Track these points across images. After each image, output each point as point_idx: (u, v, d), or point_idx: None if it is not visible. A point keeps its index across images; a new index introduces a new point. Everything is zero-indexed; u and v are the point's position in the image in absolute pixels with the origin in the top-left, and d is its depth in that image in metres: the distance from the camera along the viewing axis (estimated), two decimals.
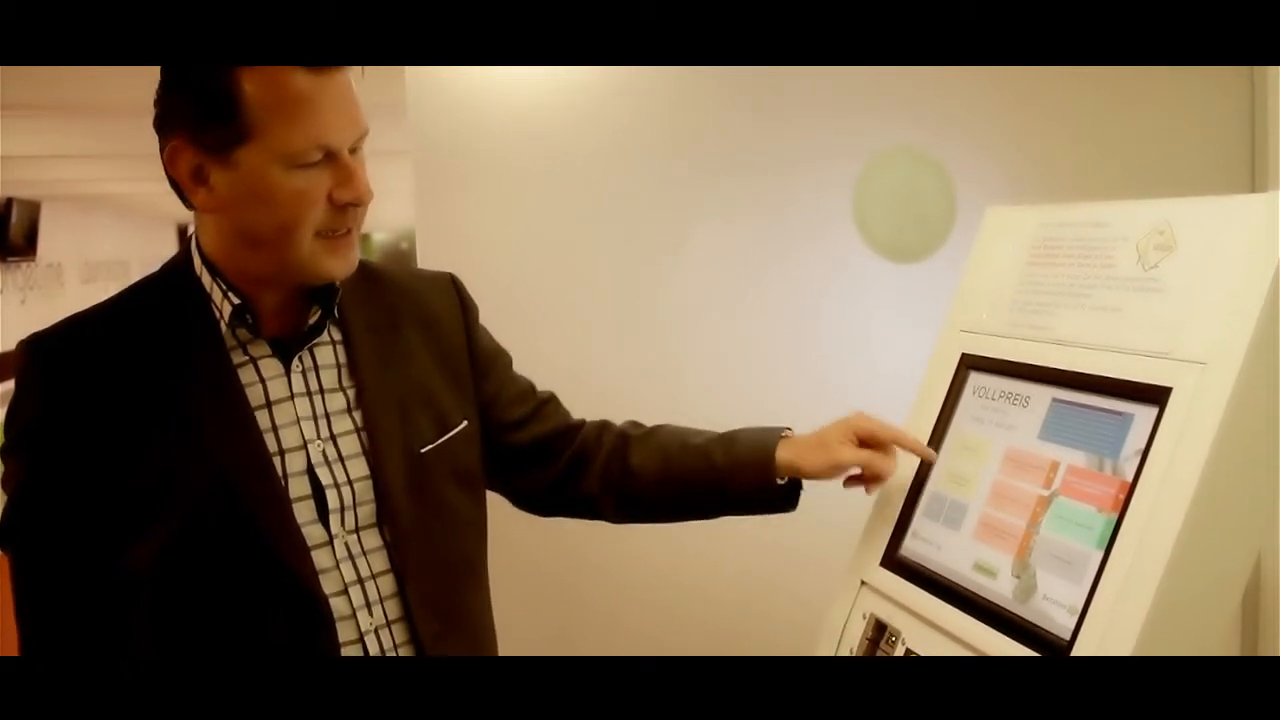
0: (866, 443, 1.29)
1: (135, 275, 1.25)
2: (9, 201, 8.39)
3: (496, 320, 1.38)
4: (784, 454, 1.30)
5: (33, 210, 8.98)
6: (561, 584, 1.99)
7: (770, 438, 1.32)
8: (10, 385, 1.11)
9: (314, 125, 1.04)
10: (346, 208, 1.08)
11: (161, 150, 1.07)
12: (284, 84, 1.02)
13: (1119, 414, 1.08)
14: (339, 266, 1.12)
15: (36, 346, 1.10)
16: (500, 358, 1.36)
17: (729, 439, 1.34)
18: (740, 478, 1.31)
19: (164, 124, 1.07)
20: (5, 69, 3.53)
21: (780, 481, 1.30)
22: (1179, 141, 1.91)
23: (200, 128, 1.04)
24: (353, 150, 1.09)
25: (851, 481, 1.32)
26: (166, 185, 1.09)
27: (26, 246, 9.02)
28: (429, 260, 1.87)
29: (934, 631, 1.18)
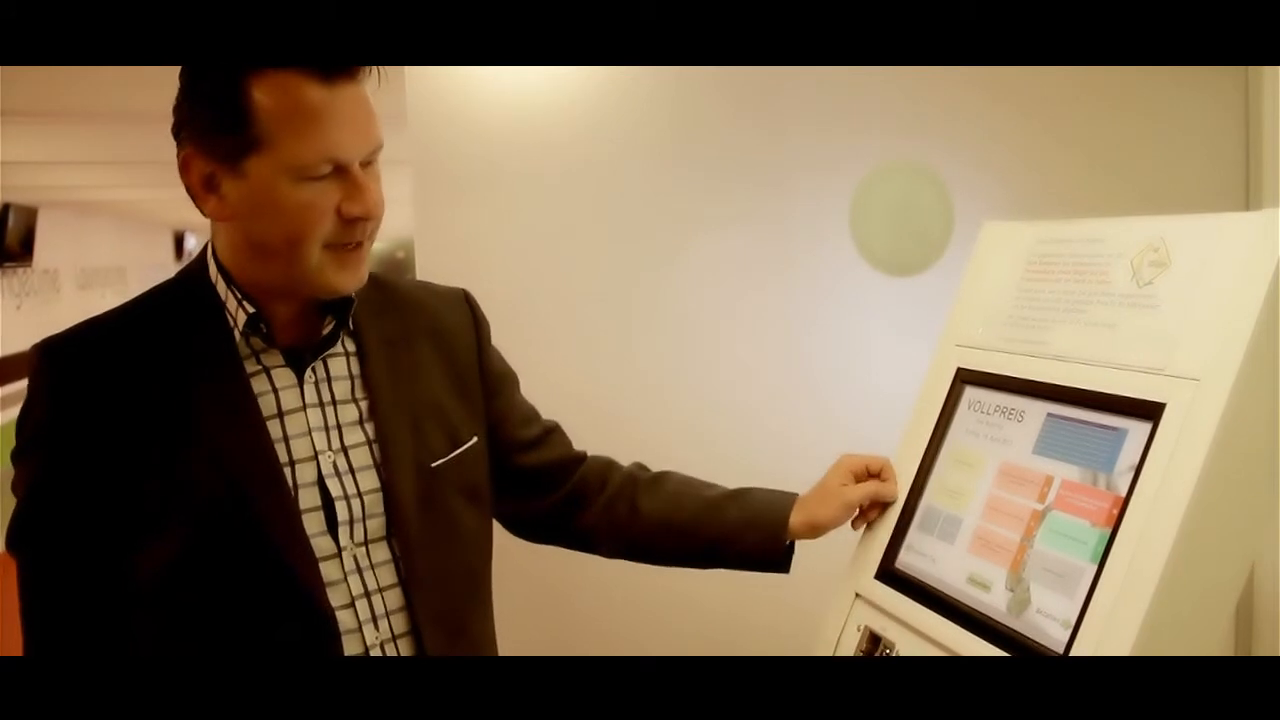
0: (860, 477, 1.34)
1: (132, 282, 1.25)
2: (6, 207, 8.39)
3: (495, 328, 1.38)
4: (797, 517, 1.32)
5: (30, 216, 8.98)
6: (555, 595, 1.98)
7: (784, 501, 1.34)
8: (9, 389, 1.11)
9: (323, 138, 1.02)
10: (356, 221, 1.07)
11: (177, 158, 1.07)
12: (295, 95, 1.01)
13: (1113, 429, 1.08)
14: (347, 280, 1.10)
15: (50, 351, 1.09)
16: (509, 378, 1.36)
17: (741, 496, 1.36)
18: (749, 536, 1.33)
19: (179, 131, 1.07)
20: (4, 75, 3.53)
21: (786, 543, 1.33)
22: (1174, 149, 1.92)
23: (212, 136, 1.04)
24: (367, 163, 1.07)
25: (858, 521, 1.36)
26: (165, 192, 1.10)
27: (23, 252, 9.02)
28: (428, 268, 1.87)
29: (928, 644, 1.18)
